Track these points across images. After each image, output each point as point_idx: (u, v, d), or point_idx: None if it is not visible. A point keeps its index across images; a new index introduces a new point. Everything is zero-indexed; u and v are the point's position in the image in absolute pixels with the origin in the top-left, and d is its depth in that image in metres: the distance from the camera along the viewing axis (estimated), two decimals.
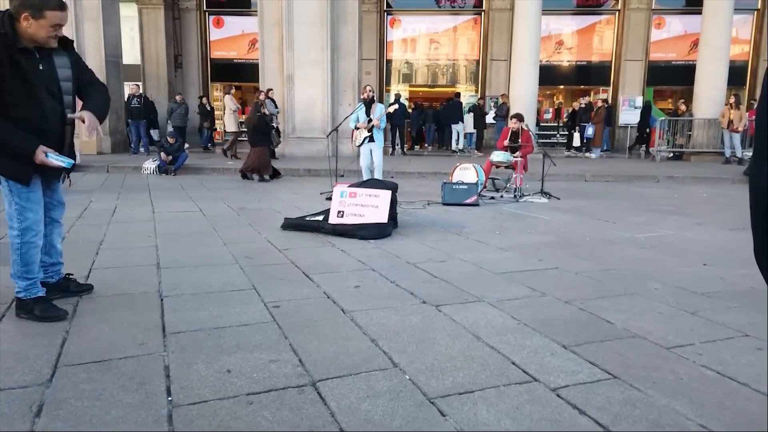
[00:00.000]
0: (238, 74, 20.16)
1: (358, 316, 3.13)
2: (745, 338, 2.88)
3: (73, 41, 3.11)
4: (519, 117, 9.08)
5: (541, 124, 18.64)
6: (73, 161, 3.03)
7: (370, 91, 8.46)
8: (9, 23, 2.75)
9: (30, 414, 2.04)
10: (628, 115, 17.12)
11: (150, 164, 11.51)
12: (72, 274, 3.50)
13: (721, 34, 14.59)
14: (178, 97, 15.89)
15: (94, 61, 14.25)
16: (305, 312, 3.21)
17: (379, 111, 8.28)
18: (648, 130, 16.00)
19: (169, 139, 11.66)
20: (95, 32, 14.18)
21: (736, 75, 17.00)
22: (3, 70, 2.72)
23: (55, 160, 2.90)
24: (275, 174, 10.58)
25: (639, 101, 17.35)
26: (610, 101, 18.21)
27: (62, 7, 2.83)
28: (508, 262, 4.52)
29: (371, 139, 8.27)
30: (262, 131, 10.44)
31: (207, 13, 19.93)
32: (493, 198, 8.28)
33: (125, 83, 15.87)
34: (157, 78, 18.97)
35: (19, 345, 2.65)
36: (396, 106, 12.62)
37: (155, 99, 17.49)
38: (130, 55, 18.31)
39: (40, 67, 2.87)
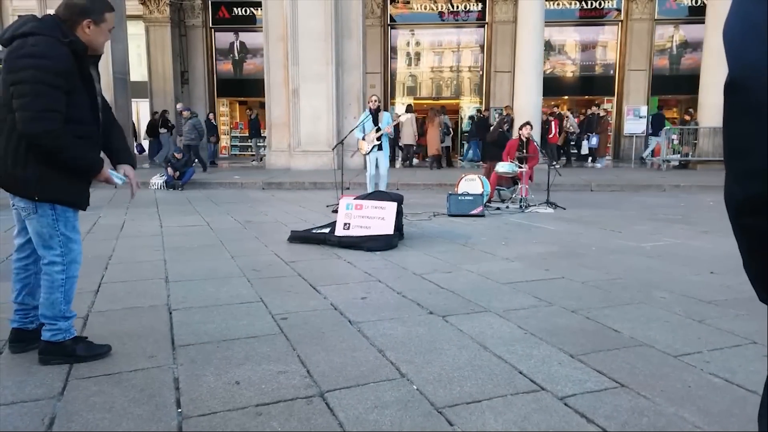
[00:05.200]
0: (244, 89, 20.37)
1: (365, 327, 3.15)
2: (753, 345, 2.87)
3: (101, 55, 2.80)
4: (530, 124, 9.15)
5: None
6: (124, 179, 2.76)
7: (376, 101, 8.52)
8: (70, 30, 2.50)
9: (42, 426, 2.07)
10: (633, 125, 17.11)
11: (157, 179, 11.61)
12: None
13: None
14: (185, 113, 15.01)
15: (102, 78, 14.09)
16: (313, 324, 3.23)
17: (387, 119, 8.34)
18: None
19: (175, 154, 11.77)
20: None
21: None
22: (74, 81, 2.48)
23: (115, 177, 2.70)
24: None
25: (644, 110, 17.35)
26: (612, 110, 18.27)
27: (113, 8, 2.68)
28: (514, 272, 4.52)
29: (380, 147, 8.33)
30: (500, 146, 10.49)
31: (213, 30, 20.18)
32: (498, 209, 8.29)
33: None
34: (164, 94, 19.19)
35: (30, 358, 2.67)
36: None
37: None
38: (138, 72, 18.53)
39: (94, 82, 2.65)
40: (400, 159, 16.56)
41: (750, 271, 0.67)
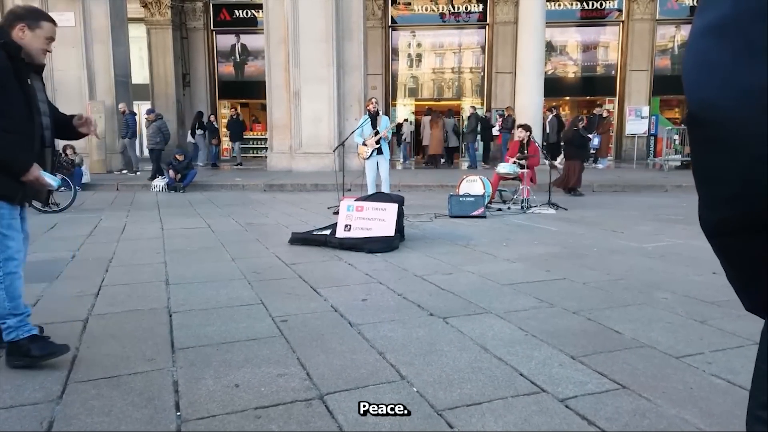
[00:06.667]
0: (245, 91, 20.40)
1: (365, 329, 3.14)
2: (755, 346, 2.82)
3: (44, 66, 2.91)
4: (526, 127, 9.12)
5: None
6: (59, 182, 2.89)
7: (375, 103, 8.51)
8: (6, 33, 2.66)
9: (41, 430, 2.06)
10: (635, 125, 17.08)
11: (159, 182, 11.63)
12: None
13: None
14: (149, 115, 13.06)
15: (104, 81, 14.49)
16: (313, 326, 3.22)
17: (385, 123, 8.33)
18: None
19: (177, 156, 11.78)
20: (104, 53, 14.39)
21: None
22: (6, 79, 2.58)
23: (48, 178, 2.74)
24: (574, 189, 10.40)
25: (645, 111, 17.31)
26: (613, 111, 18.27)
27: (54, 22, 2.82)
28: (515, 273, 4.51)
29: (379, 151, 8.31)
30: (577, 145, 10.44)
31: (214, 32, 20.22)
32: (500, 210, 8.28)
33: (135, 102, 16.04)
34: (165, 97, 19.22)
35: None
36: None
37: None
38: (139, 75, 18.59)
39: (29, 82, 2.73)
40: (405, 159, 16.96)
41: (732, 283, 0.70)
